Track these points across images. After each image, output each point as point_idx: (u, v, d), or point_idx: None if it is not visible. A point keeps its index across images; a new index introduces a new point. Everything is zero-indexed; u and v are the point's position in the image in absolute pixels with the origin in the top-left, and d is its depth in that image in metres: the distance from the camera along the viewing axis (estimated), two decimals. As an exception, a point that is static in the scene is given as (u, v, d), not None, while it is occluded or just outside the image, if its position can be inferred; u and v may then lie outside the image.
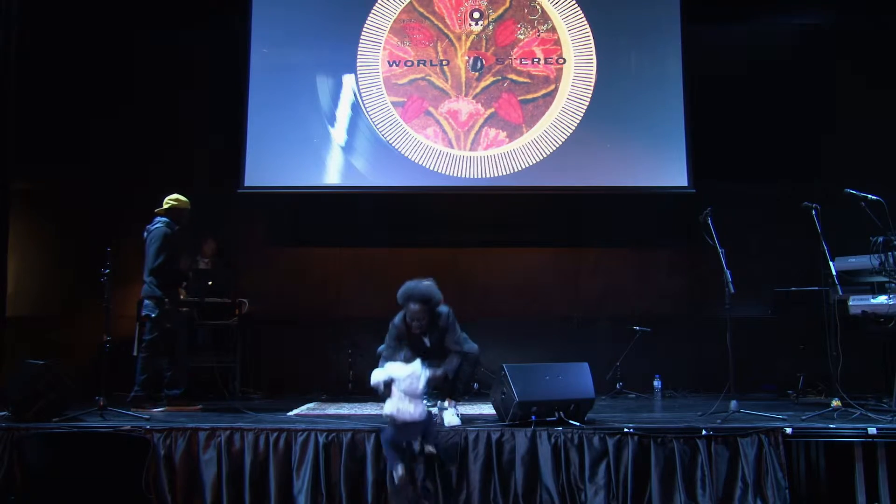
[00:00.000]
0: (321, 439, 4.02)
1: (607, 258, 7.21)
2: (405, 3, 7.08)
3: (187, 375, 5.44)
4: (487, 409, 5.03)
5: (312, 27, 7.07)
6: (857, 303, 5.16)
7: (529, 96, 6.97)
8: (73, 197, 6.61)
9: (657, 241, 7.10)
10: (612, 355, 6.51)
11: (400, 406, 4.63)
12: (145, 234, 5.36)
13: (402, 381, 4.69)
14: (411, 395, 4.61)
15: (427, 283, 4.64)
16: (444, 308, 4.65)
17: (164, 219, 5.37)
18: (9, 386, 4.52)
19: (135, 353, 6.37)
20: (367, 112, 6.97)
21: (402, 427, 4.45)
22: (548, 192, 6.93)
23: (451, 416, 4.54)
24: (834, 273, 4.69)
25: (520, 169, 6.88)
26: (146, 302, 5.30)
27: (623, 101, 6.93)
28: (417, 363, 4.88)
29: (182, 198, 5.47)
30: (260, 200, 7.04)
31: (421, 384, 4.70)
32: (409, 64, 7.03)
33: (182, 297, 5.72)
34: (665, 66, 6.92)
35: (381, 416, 4.96)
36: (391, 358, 4.51)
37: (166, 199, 5.45)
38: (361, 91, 6.99)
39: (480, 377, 6.51)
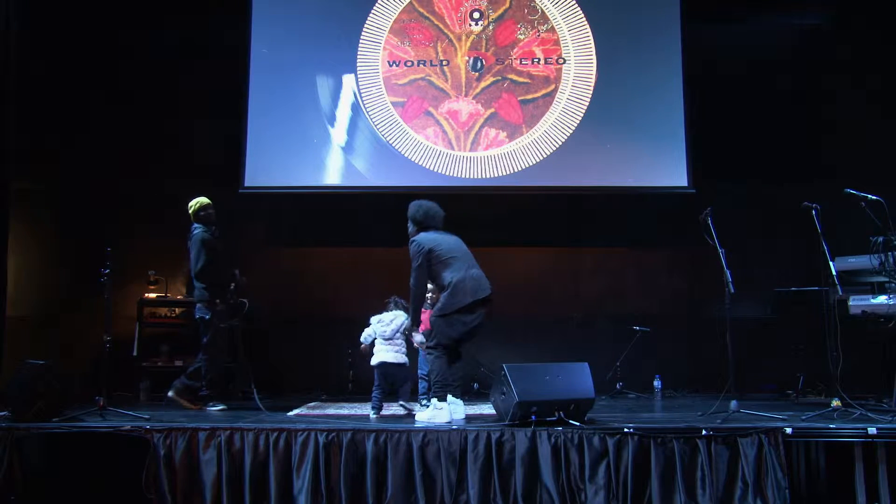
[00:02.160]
0: (321, 439, 4.02)
1: (607, 258, 7.21)
2: (405, 4, 7.08)
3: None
4: (487, 409, 5.03)
5: (312, 27, 7.07)
6: (857, 303, 5.17)
7: (529, 96, 6.96)
8: (73, 197, 6.61)
9: (657, 241, 7.10)
10: (612, 355, 6.51)
11: (376, 349, 4.94)
12: (188, 242, 5.50)
13: (378, 327, 4.98)
14: (384, 340, 4.93)
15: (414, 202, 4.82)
16: (416, 237, 4.76)
17: (198, 225, 5.50)
18: (9, 386, 4.52)
19: (135, 354, 6.41)
20: (367, 112, 6.97)
21: (379, 368, 4.79)
22: (548, 192, 6.93)
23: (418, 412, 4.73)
24: (834, 273, 4.68)
25: (520, 169, 6.88)
26: (197, 305, 5.45)
27: (623, 101, 6.93)
28: (393, 312, 5.10)
29: (200, 199, 5.58)
30: (260, 200, 7.04)
31: (375, 330, 4.97)
32: (409, 64, 7.03)
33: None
34: (665, 67, 6.92)
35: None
36: None
37: (188, 207, 5.57)
38: (361, 91, 6.99)
39: (480, 377, 6.53)
